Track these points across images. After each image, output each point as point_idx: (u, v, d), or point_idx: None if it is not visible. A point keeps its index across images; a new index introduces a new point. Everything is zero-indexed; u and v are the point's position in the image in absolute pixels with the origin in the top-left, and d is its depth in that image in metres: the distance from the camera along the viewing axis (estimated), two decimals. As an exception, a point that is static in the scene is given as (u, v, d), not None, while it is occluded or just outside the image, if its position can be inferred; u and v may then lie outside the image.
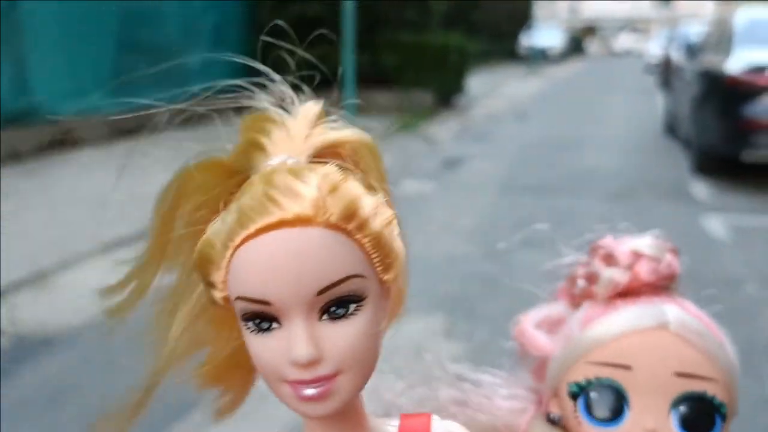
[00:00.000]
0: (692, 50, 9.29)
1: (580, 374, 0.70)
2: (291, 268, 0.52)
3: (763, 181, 7.26)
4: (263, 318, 0.54)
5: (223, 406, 0.66)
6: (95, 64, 9.08)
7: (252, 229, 0.53)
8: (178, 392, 0.61)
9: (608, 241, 0.78)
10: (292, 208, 0.52)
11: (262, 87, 0.66)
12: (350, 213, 0.54)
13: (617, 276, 0.73)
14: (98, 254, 4.64)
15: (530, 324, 0.81)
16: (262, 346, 0.55)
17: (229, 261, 0.55)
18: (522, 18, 35.17)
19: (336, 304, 0.54)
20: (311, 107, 0.62)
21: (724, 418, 0.65)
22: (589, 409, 0.68)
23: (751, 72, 6.71)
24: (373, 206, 0.56)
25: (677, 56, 11.13)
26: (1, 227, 5.31)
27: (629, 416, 0.67)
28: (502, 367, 0.87)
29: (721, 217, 6.00)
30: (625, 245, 0.76)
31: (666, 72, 14.83)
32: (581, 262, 0.79)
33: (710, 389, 0.65)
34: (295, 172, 0.55)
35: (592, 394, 0.68)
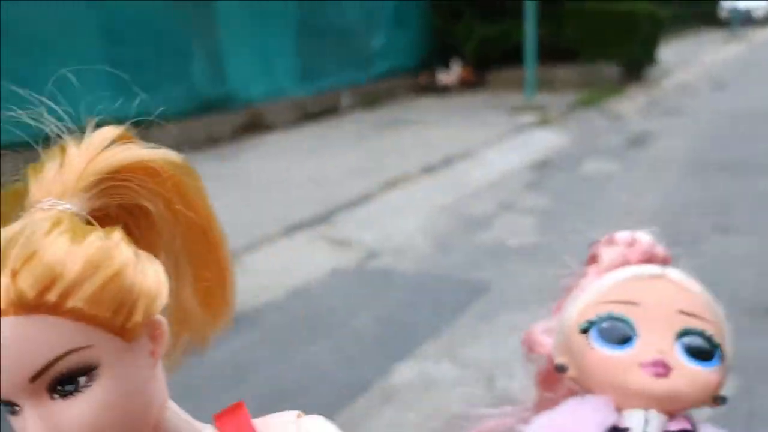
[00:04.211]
0: None
1: (591, 313, 0.75)
2: None
3: None
4: (5, 403, 0.50)
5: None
6: (282, 50, 9.55)
7: None
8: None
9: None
10: None
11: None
12: (47, 285, 0.46)
13: (615, 253, 0.81)
14: (282, 237, 4.88)
15: (537, 331, 0.87)
16: (18, 428, 0.51)
17: None
18: (723, -22, 32.67)
19: (61, 382, 0.48)
20: (107, 131, 0.54)
21: (721, 358, 0.70)
22: (601, 335, 0.73)
23: None
24: (85, 261, 0.47)
25: None
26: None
27: (638, 342, 0.72)
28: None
29: None
30: (624, 233, 0.84)
31: None
32: (577, 274, 0.84)
33: (708, 329, 0.70)
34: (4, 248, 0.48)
35: (604, 324, 0.74)
